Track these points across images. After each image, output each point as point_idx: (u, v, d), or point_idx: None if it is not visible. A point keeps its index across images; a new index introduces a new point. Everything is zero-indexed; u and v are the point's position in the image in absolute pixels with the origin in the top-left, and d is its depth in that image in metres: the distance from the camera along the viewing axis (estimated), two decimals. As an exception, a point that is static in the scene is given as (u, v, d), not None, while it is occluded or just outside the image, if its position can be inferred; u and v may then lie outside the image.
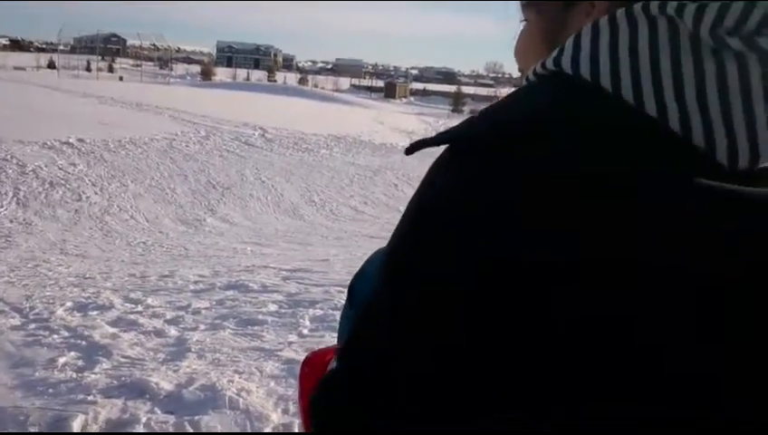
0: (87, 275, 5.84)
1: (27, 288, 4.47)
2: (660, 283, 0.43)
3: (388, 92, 64.03)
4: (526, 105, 0.53)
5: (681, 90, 0.47)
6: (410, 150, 0.62)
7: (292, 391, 2.08)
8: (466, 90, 72.85)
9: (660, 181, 0.44)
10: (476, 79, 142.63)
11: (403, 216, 0.55)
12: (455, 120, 37.44)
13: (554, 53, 0.55)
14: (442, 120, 36.04)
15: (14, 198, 12.16)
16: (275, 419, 1.90)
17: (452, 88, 68.11)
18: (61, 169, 14.54)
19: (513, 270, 0.44)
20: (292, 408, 1.97)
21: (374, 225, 12.97)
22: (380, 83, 77.08)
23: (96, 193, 13.41)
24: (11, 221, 10.92)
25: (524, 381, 0.46)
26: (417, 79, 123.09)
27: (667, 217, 0.43)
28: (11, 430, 1.76)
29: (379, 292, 0.53)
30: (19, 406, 1.91)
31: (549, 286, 0.44)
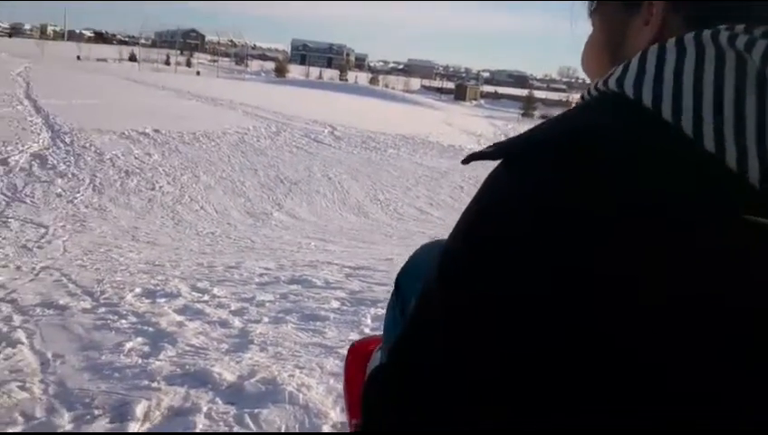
0: (156, 263, 6.00)
1: (99, 272, 4.61)
2: (707, 315, 0.44)
3: (458, 94, 63.63)
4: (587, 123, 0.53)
5: (742, 131, 0.46)
6: (466, 161, 0.63)
7: (341, 385, 2.05)
8: (538, 94, 71.60)
9: (713, 216, 0.45)
10: (549, 83, 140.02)
11: (460, 219, 0.56)
12: (524, 125, 36.96)
13: (618, 72, 0.55)
14: (511, 123, 35.53)
15: (91, 185, 12.66)
16: (334, 416, 1.86)
17: (523, 92, 67.07)
18: (136, 158, 15.07)
19: (583, 280, 0.45)
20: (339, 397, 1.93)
21: (439, 227, 12.86)
22: (451, 85, 76.67)
23: (169, 183, 13.83)
24: (86, 206, 11.37)
25: (582, 389, 0.46)
26: (488, 81, 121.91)
27: (719, 253, 0.44)
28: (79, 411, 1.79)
29: (433, 290, 0.53)
30: (85, 389, 1.95)
31: (609, 299, 0.44)
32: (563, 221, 0.46)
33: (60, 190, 11.97)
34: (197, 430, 1.72)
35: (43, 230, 9.18)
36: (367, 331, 2.76)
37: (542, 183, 0.48)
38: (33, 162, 13.28)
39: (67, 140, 15.53)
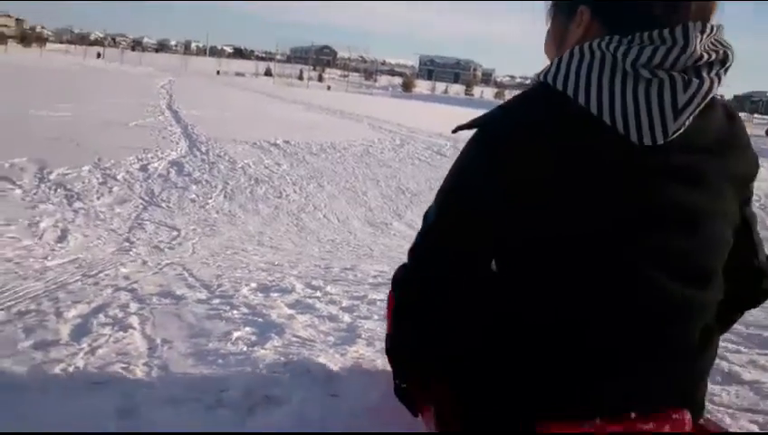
0: (276, 263, 6.09)
1: (220, 269, 4.71)
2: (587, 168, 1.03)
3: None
4: (524, 100, 1.09)
5: (609, 95, 0.98)
6: (455, 131, 1.22)
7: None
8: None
9: (592, 142, 1.00)
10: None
11: (447, 173, 1.18)
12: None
13: (546, 68, 1.06)
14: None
15: (223, 192, 13.24)
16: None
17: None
18: (266, 167, 15.64)
19: (525, 192, 1.03)
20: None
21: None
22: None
23: (295, 192, 14.21)
24: (217, 212, 11.87)
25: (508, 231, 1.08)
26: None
27: (589, 154, 1.01)
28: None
29: (432, 207, 1.21)
30: (186, 372, 1.90)
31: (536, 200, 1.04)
32: (498, 157, 1.07)
33: (193, 196, 12.60)
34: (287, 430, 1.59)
35: (175, 233, 9.67)
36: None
37: (481, 141, 1.11)
38: (170, 169, 14.12)
39: (203, 148, 16.43)
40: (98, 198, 11.48)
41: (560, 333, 1.08)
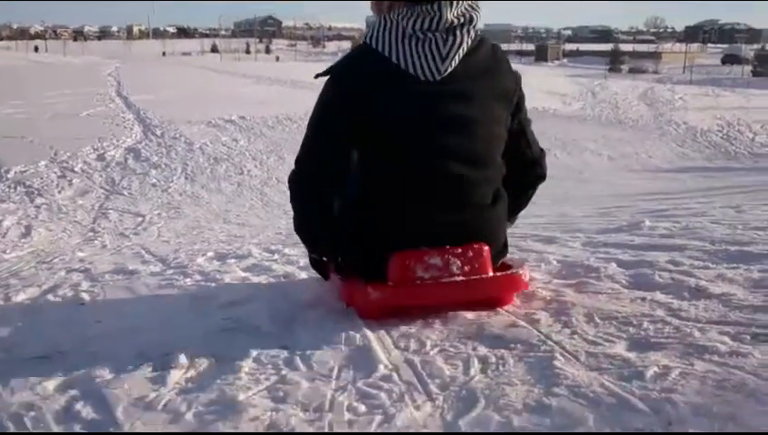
0: (238, 235, 6.04)
1: (179, 245, 4.64)
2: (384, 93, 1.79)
3: (539, 55, 61.61)
4: (353, 55, 1.89)
5: (401, 50, 1.72)
6: (316, 77, 1.90)
7: (415, 329, 1.85)
8: (624, 48, 67.96)
9: (388, 73, 1.75)
10: (635, 35, 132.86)
11: (314, 106, 1.92)
12: (613, 81, 35.22)
13: (368, 32, 1.81)
14: (597, 80, 33.90)
15: (183, 174, 13.06)
16: (395, 355, 1.68)
17: (608, 47, 63.87)
18: (224, 145, 15.44)
19: (353, 95, 1.79)
20: (413, 344, 1.74)
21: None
22: (531, 47, 74.24)
23: (256, 167, 14.08)
24: (180, 195, 11.73)
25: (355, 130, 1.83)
26: (570, 40, 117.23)
27: (388, 81, 1.76)
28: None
29: (306, 132, 1.97)
30: (133, 342, 1.87)
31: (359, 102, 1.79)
32: (338, 91, 1.84)
33: (154, 181, 12.43)
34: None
35: (139, 219, 9.55)
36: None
37: (332, 82, 1.86)
38: (127, 156, 13.85)
39: (158, 132, 16.10)
40: (59, 192, 11.26)
41: (395, 196, 1.84)
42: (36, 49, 67.08)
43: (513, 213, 2.14)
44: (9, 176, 11.67)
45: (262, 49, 73.79)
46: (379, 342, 1.73)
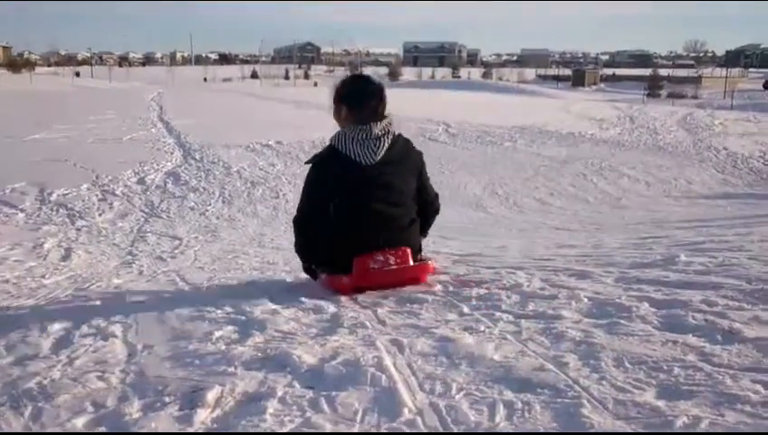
0: (271, 262, 6.09)
1: (213, 272, 4.70)
2: (341, 172, 3.08)
3: (576, 80, 61.27)
4: (326, 153, 3.17)
5: (351, 149, 3.05)
6: (307, 163, 3.29)
7: (441, 369, 1.84)
8: (663, 72, 67.02)
9: (344, 160, 3.05)
10: (675, 60, 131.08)
11: (304, 183, 3.31)
12: (651, 106, 34.65)
13: (333, 137, 3.17)
14: (636, 105, 33.48)
15: (221, 197, 13.26)
16: (420, 398, 1.67)
17: (646, 71, 63.10)
18: (261, 169, 15.64)
19: (324, 173, 3.15)
20: (439, 387, 1.73)
21: (561, 216, 12.28)
22: (568, 72, 73.83)
23: (291, 190, 14.17)
24: (217, 218, 11.89)
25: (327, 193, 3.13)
26: (607, 65, 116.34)
27: (344, 166, 3.05)
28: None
29: (306, 184, 3.26)
30: (161, 376, 1.89)
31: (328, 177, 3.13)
32: (317, 172, 3.20)
33: (192, 204, 12.63)
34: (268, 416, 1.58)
35: (177, 242, 9.69)
36: (466, 310, 2.54)
37: (313, 168, 3.22)
38: (167, 180, 14.13)
39: (197, 156, 16.41)
40: (99, 215, 11.53)
41: (355, 225, 3.05)
42: (78, 74, 69.33)
43: (423, 230, 3.45)
44: (52, 198, 12.00)
45: (300, 75, 75.05)
46: (405, 383, 1.73)
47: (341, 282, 3.04)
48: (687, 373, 1.72)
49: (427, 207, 3.37)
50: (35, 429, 1.58)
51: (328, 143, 3.12)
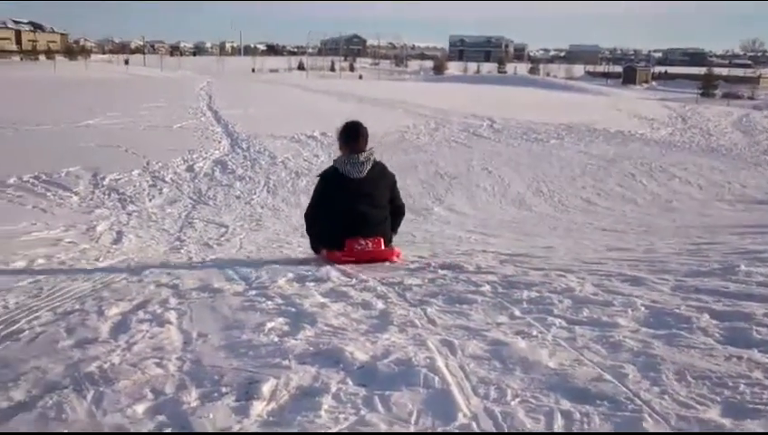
0: (315, 254, 6.13)
1: (260, 261, 4.75)
2: (338, 183, 4.44)
3: (627, 78, 59.96)
4: (329, 170, 4.67)
5: (345, 169, 4.43)
6: (317, 177, 4.90)
7: (495, 374, 1.82)
8: (719, 71, 65.00)
9: (341, 176, 4.43)
10: (731, 59, 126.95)
11: (313, 190, 4.91)
12: (704, 105, 33.70)
13: (336, 161, 4.60)
14: (689, 105, 32.58)
15: (266, 187, 13.43)
16: (475, 403, 1.65)
17: (701, 70, 61.28)
18: (305, 160, 15.77)
19: (328, 183, 4.56)
20: (493, 392, 1.70)
21: (608, 217, 12.03)
22: (618, 69, 72.27)
23: (334, 183, 14.19)
24: (262, 207, 12.05)
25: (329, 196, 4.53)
26: (660, 62, 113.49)
27: (340, 179, 4.42)
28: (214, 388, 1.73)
29: (314, 192, 4.78)
30: (217, 365, 1.91)
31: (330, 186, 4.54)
32: (328, 178, 4.60)
33: (238, 192, 12.84)
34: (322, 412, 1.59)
35: (223, 229, 9.86)
36: (517, 313, 2.51)
37: (324, 179, 4.63)
38: (215, 168, 14.40)
39: (244, 146, 16.66)
40: (149, 200, 11.83)
41: (346, 220, 4.38)
42: (127, 62, 70.97)
43: (393, 227, 4.73)
44: (105, 183, 12.33)
45: (346, 67, 75.28)
46: (458, 386, 1.71)
47: (336, 255, 4.33)
48: (754, 391, 1.66)
49: (396, 211, 4.75)
50: (98, 414, 1.62)
51: (329, 168, 4.68)
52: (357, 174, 4.33)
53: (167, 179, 13.14)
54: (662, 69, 77.65)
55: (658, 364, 1.85)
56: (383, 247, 4.36)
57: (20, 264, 5.46)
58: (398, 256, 4.38)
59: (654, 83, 60.09)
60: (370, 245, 4.30)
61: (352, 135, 4.54)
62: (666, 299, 2.67)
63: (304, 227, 4.83)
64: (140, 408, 1.63)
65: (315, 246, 4.70)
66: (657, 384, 1.73)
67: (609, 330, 2.24)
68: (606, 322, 2.35)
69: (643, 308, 2.49)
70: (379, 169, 4.48)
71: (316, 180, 4.65)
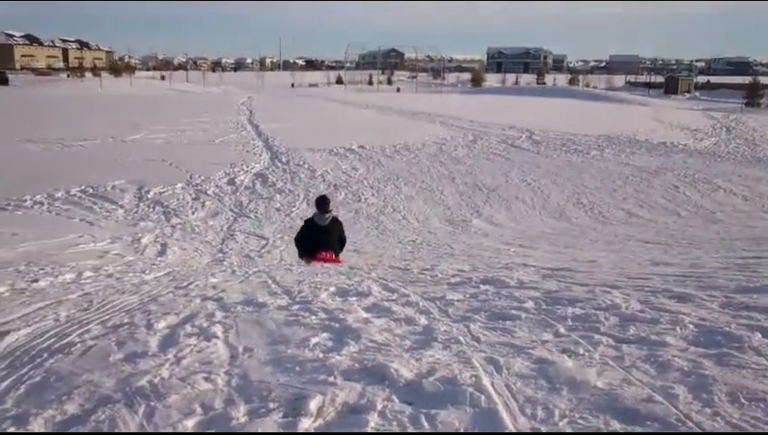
0: (356, 267, 6.16)
1: (301, 275, 4.79)
2: (313, 227, 6.94)
3: (669, 88, 58.81)
4: (310, 219, 7.16)
5: (316, 219, 7.01)
6: (303, 220, 7.87)
7: (541, 393, 1.80)
8: (765, 80, 63.17)
9: (314, 223, 6.98)
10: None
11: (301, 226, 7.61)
12: (749, 115, 32.84)
13: (312, 214, 7.40)
14: (733, 115, 31.80)
15: (305, 199, 13.56)
16: (522, 423, 1.64)
17: (746, 79, 59.68)
18: (344, 172, 15.89)
19: (308, 226, 7.05)
20: (541, 412, 1.69)
21: (650, 229, 11.79)
22: (660, 79, 71.00)
23: (373, 195, 14.34)
24: (301, 219, 12.14)
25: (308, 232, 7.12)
26: (703, 72, 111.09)
27: (314, 225, 6.95)
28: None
29: (300, 228, 7.26)
30: (264, 381, 1.94)
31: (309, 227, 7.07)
32: (306, 225, 7.11)
33: (278, 205, 12.99)
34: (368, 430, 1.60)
35: (263, 241, 9.99)
36: (562, 331, 2.48)
37: (305, 223, 7.20)
38: (255, 181, 14.62)
39: (284, 159, 16.89)
40: (192, 213, 12.06)
41: (314, 245, 6.95)
42: (163, 78, 72.77)
43: (341, 248, 7.17)
44: (149, 196, 12.62)
45: (384, 80, 75.65)
46: (505, 406, 1.70)
47: (311, 259, 6.76)
48: (811, 415, 1.61)
49: (342, 241, 7.19)
50: (149, 429, 1.66)
51: (309, 217, 7.13)
52: (322, 223, 6.92)
53: (209, 193, 13.39)
54: (705, 78, 76.02)
55: (710, 385, 1.81)
56: (333, 257, 7.03)
57: (69, 276, 5.62)
58: (339, 262, 6.94)
59: (697, 93, 58.79)
60: (327, 255, 6.91)
61: (321, 204, 7.03)
62: (715, 317, 2.61)
63: (296, 248, 7.37)
64: (190, 423, 1.66)
65: (300, 255, 7.20)
66: (709, 406, 1.69)
67: (657, 349, 2.20)
68: (654, 340, 2.31)
69: (691, 326, 2.44)
70: (334, 220, 7.11)
71: (302, 223, 7.34)
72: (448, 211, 13.20)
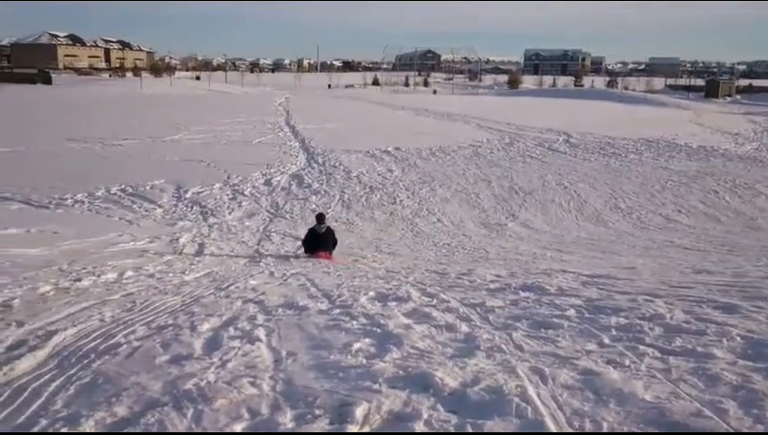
0: (393, 270, 6.17)
1: (340, 278, 4.82)
2: (314, 234, 8.97)
3: (709, 91, 57.56)
4: (312, 228, 9.26)
5: (316, 228, 9.18)
6: (308, 229, 9.84)
7: (588, 405, 1.78)
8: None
9: (315, 231, 9.07)
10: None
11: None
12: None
13: (312, 226, 9.52)
14: (777, 118, 30.99)
15: (340, 201, 13.60)
16: (567, 437, 1.62)
17: (790, 82, 58.00)
18: (379, 174, 15.88)
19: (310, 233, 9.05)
20: (589, 425, 1.67)
21: (689, 235, 11.54)
22: (700, 82, 69.50)
23: (408, 197, 14.30)
24: (336, 221, 12.19)
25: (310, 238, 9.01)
26: (744, 75, 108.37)
27: (315, 233, 9.00)
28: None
29: (305, 235, 9.20)
30: (309, 386, 1.96)
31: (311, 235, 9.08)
32: (309, 232, 9.16)
33: (314, 206, 13.00)
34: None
35: (299, 243, 10.05)
36: (606, 341, 2.45)
37: (309, 231, 9.28)
38: (291, 182, 14.72)
39: (320, 160, 16.98)
40: (229, 213, 12.18)
41: (315, 246, 8.97)
42: (198, 78, 73.99)
43: (333, 249, 9.06)
44: (187, 196, 12.80)
45: (420, 82, 75.57)
46: (552, 418, 1.69)
47: (312, 256, 8.57)
48: None
49: (334, 244, 8.91)
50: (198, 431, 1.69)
51: (312, 226, 9.20)
52: (320, 231, 8.73)
53: (246, 193, 13.54)
54: (747, 82, 74.19)
55: (760, 400, 1.77)
56: (328, 255, 8.68)
57: (111, 275, 5.74)
58: (332, 258, 8.64)
59: (738, 97, 57.45)
60: (323, 253, 8.61)
61: (319, 219, 9.03)
62: (763, 329, 2.55)
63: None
64: (238, 427, 1.69)
65: (305, 253, 8.80)
66: (761, 421, 1.66)
67: (704, 361, 2.16)
68: (701, 352, 2.27)
69: (739, 338, 2.39)
70: (328, 229, 8.97)
71: (306, 231, 9.20)
72: (484, 214, 13.13)
